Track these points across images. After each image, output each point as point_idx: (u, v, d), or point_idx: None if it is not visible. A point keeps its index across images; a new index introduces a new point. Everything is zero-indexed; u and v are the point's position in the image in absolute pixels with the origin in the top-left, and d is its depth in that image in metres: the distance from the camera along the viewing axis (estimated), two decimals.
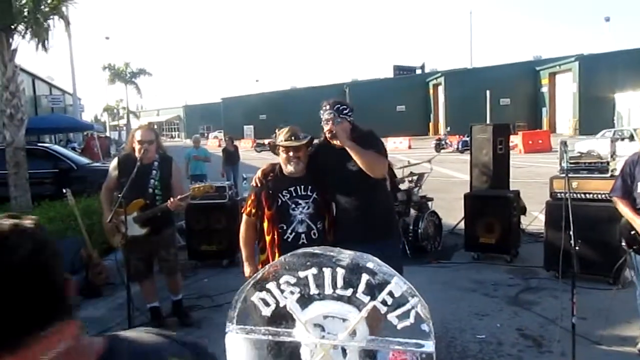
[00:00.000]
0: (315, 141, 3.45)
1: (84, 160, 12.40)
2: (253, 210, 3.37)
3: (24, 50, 28.91)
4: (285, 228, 3.23)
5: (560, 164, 5.68)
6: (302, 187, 3.27)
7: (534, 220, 7.50)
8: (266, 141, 30.45)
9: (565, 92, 43.93)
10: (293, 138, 3.27)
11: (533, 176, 13.84)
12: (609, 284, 5.32)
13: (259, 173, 3.42)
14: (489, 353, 4.01)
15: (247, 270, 3.36)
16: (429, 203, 7.37)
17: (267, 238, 3.28)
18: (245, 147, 36.38)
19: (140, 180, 4.38)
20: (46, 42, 8.91)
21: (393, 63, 68.65)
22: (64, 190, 6.22)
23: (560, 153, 5.65)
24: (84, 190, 8.45)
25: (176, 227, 5.41)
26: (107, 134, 36.19)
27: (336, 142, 3.25)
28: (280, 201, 3.25)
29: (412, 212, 7.19)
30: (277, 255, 3.12)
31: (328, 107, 3.28)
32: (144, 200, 4.48)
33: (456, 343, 4.17)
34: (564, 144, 3.94)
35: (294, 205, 3.24)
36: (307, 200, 3.26)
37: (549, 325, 4.42)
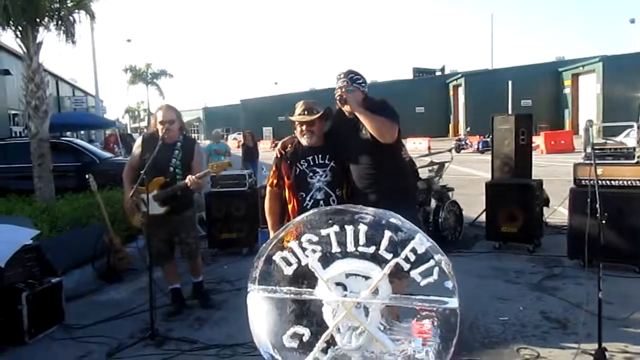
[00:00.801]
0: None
1: (106, 154, 12.56)
2: (275, 181, 3.52)
3: (48, 50, 29.46)
4: (304, 196, 3.35)
5: (585, 149, 5.59)
6: (320, 156, 3.38)
7: (554, 212, 7.39)
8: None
9: (589, 94, 43.25)
10: (306, 112, 3.39)
11: (555, 174, 13.62)
12: (635, 272, 5.22)
13: (279, 145, 3.55)
14: (512, 334, 3.94)
15: None
16: (450, 193, 7.29)
17: (289, 206, 3.41)
18: (264, 148, 36.45)
19: (161, 159, 4.40)
20: (72, 36, 9.03)
21: (413, 65, 68.43)
22: (87, 176, 6.30)
23: (585, 136, 5.57)
24: (106, 184, 8.54)
25: (196, 212, 5.42)
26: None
27: (347, 109, 3.32)
28: (298, 170, 3.38)
29: (433, 201, 7.13)
30: None
31: (342, 75, 3.36)
32: (164, 179, 4.51)
33: (479, 324, 4.11)
34: (590, 122, 3.85)
35: (311, 174, 3.36)
36: (324, 169, 3.36)
37: (573, 309, 4.34)
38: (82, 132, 30.45)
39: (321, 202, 3.29)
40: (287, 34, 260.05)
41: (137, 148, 4.76)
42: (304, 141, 3.38)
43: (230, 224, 6.87)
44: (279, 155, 3.49)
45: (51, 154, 8.92)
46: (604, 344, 3.27)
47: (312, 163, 3.36)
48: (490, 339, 3.87)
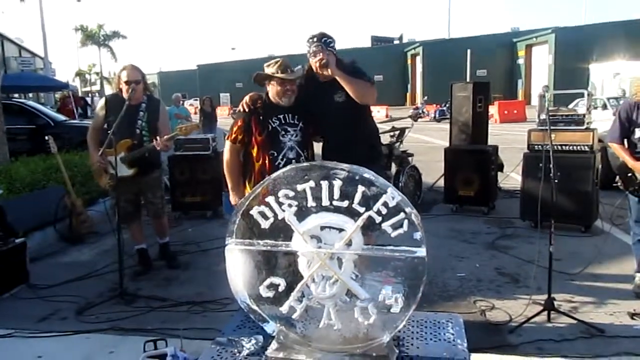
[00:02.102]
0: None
1: (61, 117, 12.19)
2: (240, 137, 3.36)
3: None
4: (275, 155, 3.29)
5: (539, 116, 5.84)
6: (290, 115, 3.35)
7: (507, 177, 7.72)
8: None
9: (541, 64, 44.37)
10: (289, 70, 3.31)
11: (508, 142, 14.08)
12: (581, 232, 5.57)
13: (246, 99, 3.39)
14: (468, 288, 4.20)
15: (233, 199, 3.40)
16: (410, 158, 7.49)
17: (257, 164, 3.33)
18: (221, 115, 35.90)
19: (127, 121, 4.35)
20: None
21: (371, 34, 68.21)
22: (47, 138, 6.16)
23: (539, 103, 5.81)
24: (62, 147, 8.35)
25: (163, 174, 5.40)
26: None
27: (325, 73, 3.27)
28: (270, 127, 3.30)
29: (393, 166, 7.32)
30: None
31: (315, 39, 3.32)
32: (131, 141, 4.48)
33: (437, 280, 4.34)
34: (546, 88, 4.02)
35: (283, 132, 3.31)
36: (295, 128, 3.35)
37: (524, 265, 4.63)
38: (30, 94, 29.31)
39: (293, 160, 3.28)
40: None
41: (100, 110, 4.68)
42: (285, 100, 3.31)
43: (194, 187, 6.89)
44: (246, 110, 3.35)
45: (3, 115, 8.61)
46: (552, 295, 3.53)
47: (283, 122, 3.32)
48: (448, 293, 4.11)
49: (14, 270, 4.42)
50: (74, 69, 55.26)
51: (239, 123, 3.37)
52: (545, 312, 3.50)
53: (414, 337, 2.63)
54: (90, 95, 53.40)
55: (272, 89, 3.35)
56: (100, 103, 4.81)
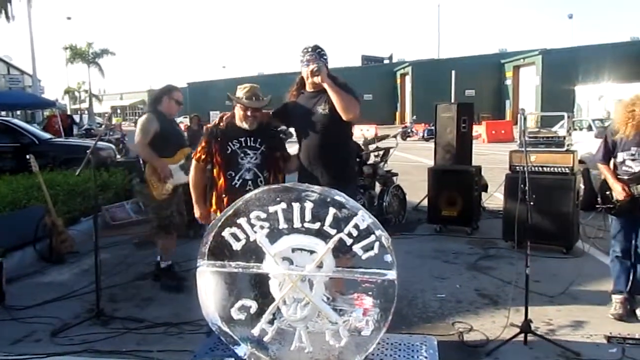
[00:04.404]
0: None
1: (46, 135, 12.12)
2: (203, 157, 3.58)
3: None
4: (233, 175, 3.45)
5: (520, 137, 5.90)
6: (252, 139, 3.47)
7: (490, 197, 7.77)
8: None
9: (529, 85, 44.97)
10: (254, 98, 3.46)
11: (495, 162, 14.18)
12: (562, 253, 5.59)
13: (217, 119, 3.61)
14: (448, 309, 4.19)
15: (197, 212, 3.66)
16: (394, 178, 7.52)
17: (219, 183, 3.51)
18: None
19: (176, 133, 4.94)
20: (9, 9, 8.67)
21: (361, 53, 68.85)
22: (28, 157, 6.10)
23: (519, 125, 5.87)
24: (46, 165, 8.31)
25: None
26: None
27: (316, 81, 3.30)
28: (230, 149, 3.45)
29: (377, 186, 7.34)
30: (225, 199, 3.38)
31: (310, 49, 3.40)
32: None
33: (417, 301, 4.33)
34: (522, 111, 4.09)
35: (242, 155, 3.45)
36: (255, 152, 3.46)
37: (505, 286, 4.63)
38: (18, 112, 29.21)
39: (250, 181, 3.40)
40: (235, 17, 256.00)
41: (154, 124, 4.65)
42: (246, 125, 3.45)
43: None
44: (213, 131, 3.54)
45: None
46: (530, 317, 3.53)
47: (244, 144, 3.45)
48: (427, 314, 4.09)
49: None
50: (63, 87, 55.12)
51: (203, 143, 3.57)
52: (522, 335, 3.50)
53: None
54: (79, 112, 53.19)
55: (237, 112, 3.50)
56: (150, 119, 4.71)
